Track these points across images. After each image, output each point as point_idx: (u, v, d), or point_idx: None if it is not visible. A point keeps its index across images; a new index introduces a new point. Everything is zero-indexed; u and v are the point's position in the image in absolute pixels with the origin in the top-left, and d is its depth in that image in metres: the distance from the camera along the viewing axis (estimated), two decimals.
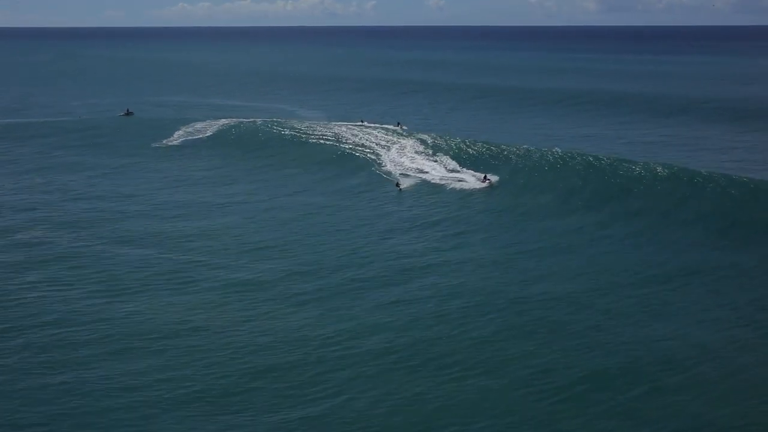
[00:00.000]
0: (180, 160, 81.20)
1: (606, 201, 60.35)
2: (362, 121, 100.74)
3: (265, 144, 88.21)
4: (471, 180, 67.22)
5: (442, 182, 67.74)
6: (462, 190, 65.24)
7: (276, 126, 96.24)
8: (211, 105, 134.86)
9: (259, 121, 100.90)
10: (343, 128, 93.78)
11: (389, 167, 74.23)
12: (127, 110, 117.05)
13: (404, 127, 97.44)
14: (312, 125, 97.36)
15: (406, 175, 70.34)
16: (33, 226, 54.86)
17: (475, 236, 52.70)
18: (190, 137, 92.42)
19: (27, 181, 70.69)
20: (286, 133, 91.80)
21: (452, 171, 71.38)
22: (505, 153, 75.48)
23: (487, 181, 65.59)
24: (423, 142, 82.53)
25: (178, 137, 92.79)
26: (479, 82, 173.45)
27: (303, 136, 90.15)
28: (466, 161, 75.09)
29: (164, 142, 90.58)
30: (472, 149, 78.48)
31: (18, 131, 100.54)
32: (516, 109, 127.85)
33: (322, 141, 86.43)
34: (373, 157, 78.94)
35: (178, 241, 51.23)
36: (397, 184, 66.74)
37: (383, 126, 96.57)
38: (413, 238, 52.37)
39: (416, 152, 78.98)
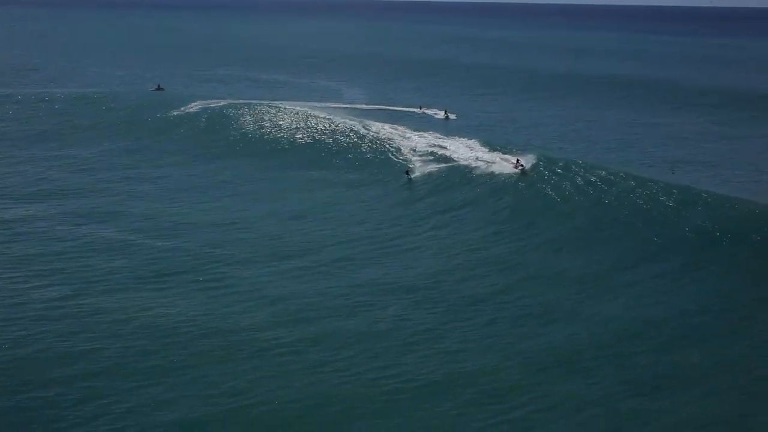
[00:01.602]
0: (198, 147, 77.93)
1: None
2: (421, 108, 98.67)
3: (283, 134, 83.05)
4: (502, 164, 62.62)
5: (469, 166, 63.90)
6: (490, 176, 61.21)
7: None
8: (256, 83, 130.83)
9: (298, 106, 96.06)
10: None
11: (407, 151, 70.76)
12: (158, 86, 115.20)
13: (452, 116, 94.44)
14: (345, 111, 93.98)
15: (429, 160, 66.53)
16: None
17: (494, 230, 49.98)
18: (214, 119, 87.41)
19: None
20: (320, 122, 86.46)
21: (482, 153, 67.02)
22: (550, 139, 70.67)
23: (520, 167, 60.40)
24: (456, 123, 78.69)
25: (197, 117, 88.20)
26: (542, 66, 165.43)
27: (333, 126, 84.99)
28: (500, 144, 70.92)
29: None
30: (512, 132, 74.56)
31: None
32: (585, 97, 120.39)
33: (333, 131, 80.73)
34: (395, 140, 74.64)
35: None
36: (407, 173, 63.56)
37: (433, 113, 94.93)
38: (430, 229, 50.80)
39: (443, 134, 75.60)
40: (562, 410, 29.85)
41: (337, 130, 78.57)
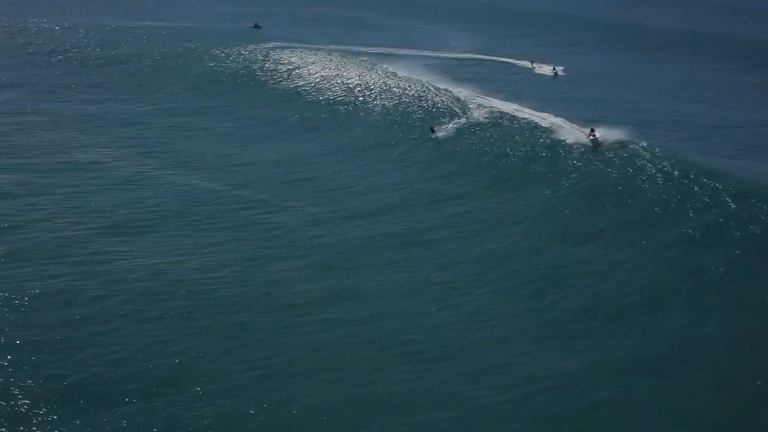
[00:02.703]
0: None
1: None
2: (532, 63, 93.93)
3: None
4: (573, 131, 57.19)
5: (540, 128, 58.74)
6: (555, 141, 55.75)
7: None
8: (360, 26, 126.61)
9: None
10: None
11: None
12: (256, 23, 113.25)
13: (560, 72, 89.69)
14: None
15: (500, 118, 61.71)
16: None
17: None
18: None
19: None
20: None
21: (557, 117, 61.69)
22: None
23: (592, 137, 54.81)
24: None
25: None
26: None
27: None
28: (591, 109, 65.87)
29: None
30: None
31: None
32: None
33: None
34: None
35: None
36: (432, 129, 59.57)
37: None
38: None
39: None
40: None
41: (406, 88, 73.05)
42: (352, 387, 27.84)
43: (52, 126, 59.92)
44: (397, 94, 69.40)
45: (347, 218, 44.00)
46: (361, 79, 74.65)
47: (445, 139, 58.30)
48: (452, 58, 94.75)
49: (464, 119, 62.00)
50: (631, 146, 52.59)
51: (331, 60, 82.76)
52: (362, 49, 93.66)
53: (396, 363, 29.52)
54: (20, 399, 25.71)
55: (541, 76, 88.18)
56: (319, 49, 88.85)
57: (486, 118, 61.74)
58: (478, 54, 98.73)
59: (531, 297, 35.23)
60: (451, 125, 60.65)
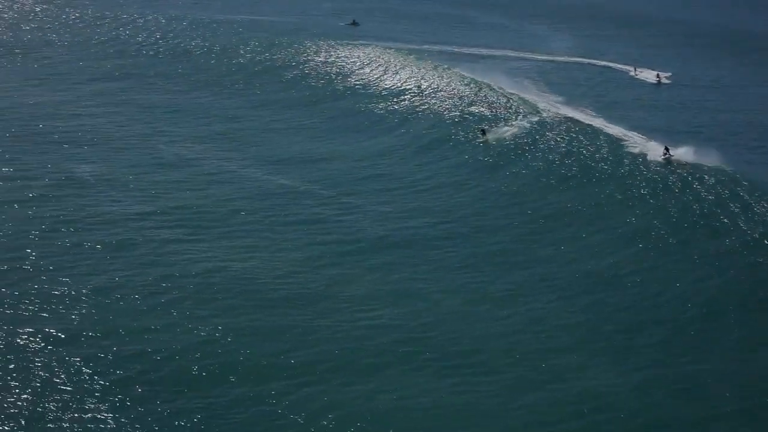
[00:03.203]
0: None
1: None
2: (635, 68, 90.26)
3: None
4: (646, 147, 54.71)
5: (615, 141, 56.47)
6: (628, 157, 53.34)
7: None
8: (458, 23, 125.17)
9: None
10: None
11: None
12: (353, 20, 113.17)
13: (665, 80, 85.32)
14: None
15: (574, 128, 59.49)
16: None
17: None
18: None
19: None
20: None
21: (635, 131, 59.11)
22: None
23: (667, 155, 52.57)
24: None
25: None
26: None
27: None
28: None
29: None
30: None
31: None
32: None
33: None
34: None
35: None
36: (483, 132, 58.19)
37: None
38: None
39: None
40: None
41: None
42: (396, 398, 27.66)
43: (140, 117, 61.78)
44: (473, 100, 68.27)
45: (415, 217, 44.14)
46: (442, 83, 73.50)
47: (502, 143, 57.23)
48: (549, 61, 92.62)
49: (528, 125, 60.52)
50: (706, 169, 50.19)
51: (414, 61, 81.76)
52: (456, 50, 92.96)
53: (445, 374, 29.28)
54: (69, 390, 26.56)
55: (643, 82, 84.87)
56: (409, 50, 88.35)
57: (561, 128, 59.83)
58: (577, 57, 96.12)
59: (591, 307, 34.62)
60: (507, 129, 59.58)
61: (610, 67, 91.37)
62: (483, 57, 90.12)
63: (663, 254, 39.83)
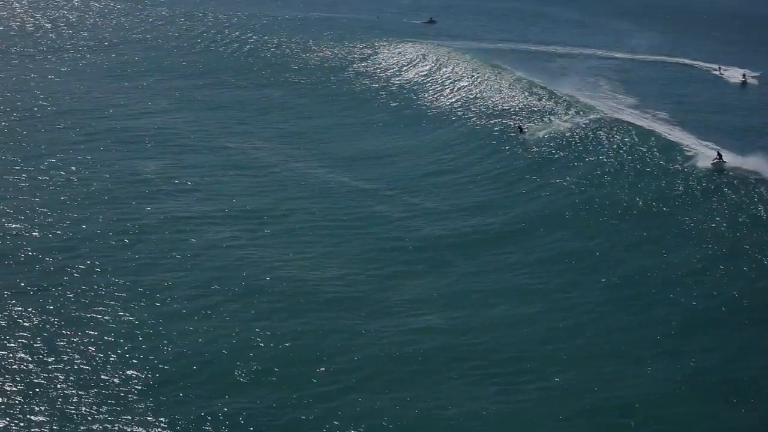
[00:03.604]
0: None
1: None
2: (720, 68, 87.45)
3: None
4: (701, 152, 52.37)
5: (658, 144, 53.94)
6: (676, 161, 51.02)
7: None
8: (539, 21, 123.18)
9: None
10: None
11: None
12: (431, 18, 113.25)
13: (751, 79, 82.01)
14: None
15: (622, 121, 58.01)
16: None
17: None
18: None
19: None
20: None
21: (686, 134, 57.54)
22: None
23: (717, 160, 50.14)
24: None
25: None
26: None
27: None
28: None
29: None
30: None
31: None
32: None
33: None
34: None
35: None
36: (520, 128, 57.93)
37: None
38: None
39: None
40: None
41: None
42: (436, 407, 27.20)
43: (209, 114, 62.73)
44: (530, 101, 66.76)
45: (473, 215, 44.06)
46: (504, 84, 71.94)
47: (539, 141, 56.13)
48: (629, 60, 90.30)
49: (575, 125, 58.89)
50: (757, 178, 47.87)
51: (481, 62, 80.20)
52: (533, 48, 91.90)
53: (489, 382, 28.76)
54: (107, 389, 26.93)
55: (726, 82, 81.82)
56: (482, 49, 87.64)
57: (613, 129, 57.62)
58: (659, 55, 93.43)
59: (643, 309, 34.07)
60: (545, 127, 58.61)
61: (694, 66, 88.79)
62: (560, 55, 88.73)
63: (712, 259, 38.63)
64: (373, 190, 47.66)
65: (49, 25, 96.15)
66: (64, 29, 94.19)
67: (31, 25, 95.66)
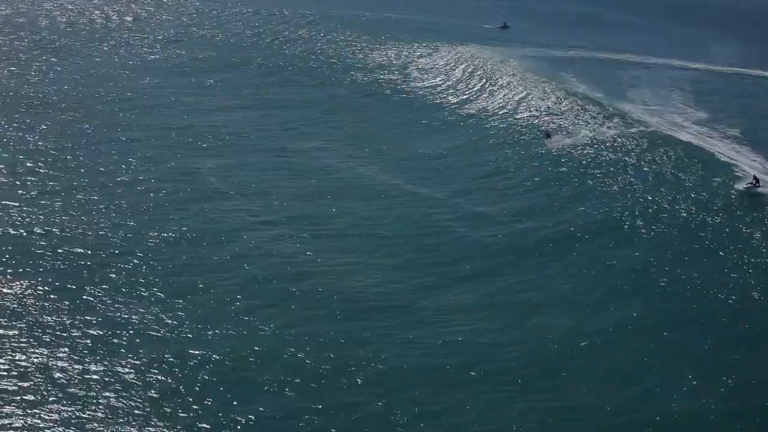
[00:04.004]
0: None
1: None
2: None
3: None
4: (745, 173, 50.72)
5: (697, 161, 52.63)
6: (711, 182, 49.68)
7: None
8: (620, 29, 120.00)
9: None
10: None
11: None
12: (504, 23, 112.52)
13: None
14: None
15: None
16: None
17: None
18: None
19: None
20: None
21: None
22: None
23: (752, 183, 48.65)
24: None
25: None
26: None
27: None
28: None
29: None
30: None
31: None
32: None
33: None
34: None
35: None
36: (547, 134, 57.45)
37: None
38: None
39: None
40: None
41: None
42: (458, 424, 26.91)
43: (272, 113, 63.10)
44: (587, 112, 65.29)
45: (522, 219, 43.87)
46: (560, 95, 70.45)
47: (564, 148, 55.47)
48: (708, 71, 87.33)
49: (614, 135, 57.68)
50: None
51: (546, 72, 78.96)
52: (604, 56, 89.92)
53: (512, 399, 28.29)
54: (140, 387, 27.30)
55: None
56: (550, 57, 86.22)
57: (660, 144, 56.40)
58: (741, 67, 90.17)
59: (678, 323, 33.58)
60: (569, 136, 57.68)
61: None
62: (634, 64, 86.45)
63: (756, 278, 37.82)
64: (425, 193, 47.58)
65: (117, 20, 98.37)
66: (133, 24, 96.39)
67: (101, 19, 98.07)
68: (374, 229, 42.01)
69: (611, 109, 63.85)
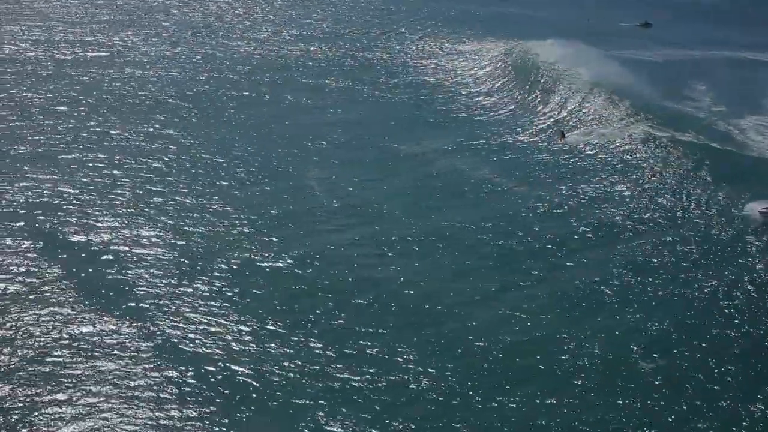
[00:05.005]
0: None
1: None
2: None
3: None
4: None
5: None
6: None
7: None
8: None
9: None
10: None
11: None
12: (645, 21, 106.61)
13: None
14: None
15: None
16: None
17: None
18: None
19: None
20: None
21: None
22: None
23: (766, 209, 45.08)
24: None
25: None
26: None
27: None
28: None
29: None
30: None
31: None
32: None
33: None
34: None
35: None
36: (563, 134, 57.15)
37: None
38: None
39: None
40: None
41: None
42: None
43: (376, 118, 62.02)
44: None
45: (564, 217, 43.87)
46: None
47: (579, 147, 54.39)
48: None
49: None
50: None
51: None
52: (750, 56, 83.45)
53: (535, 410, 27.71)
54: (168, 400, 27.16)
55: None
56: (687, 58, 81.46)
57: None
58: None
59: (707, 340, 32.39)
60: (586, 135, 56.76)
61: None
62: None
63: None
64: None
65: (213, 17, 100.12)
66: (235, 22, 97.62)
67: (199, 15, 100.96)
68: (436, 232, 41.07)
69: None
